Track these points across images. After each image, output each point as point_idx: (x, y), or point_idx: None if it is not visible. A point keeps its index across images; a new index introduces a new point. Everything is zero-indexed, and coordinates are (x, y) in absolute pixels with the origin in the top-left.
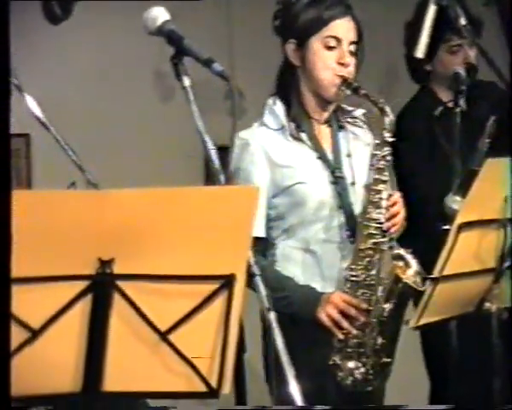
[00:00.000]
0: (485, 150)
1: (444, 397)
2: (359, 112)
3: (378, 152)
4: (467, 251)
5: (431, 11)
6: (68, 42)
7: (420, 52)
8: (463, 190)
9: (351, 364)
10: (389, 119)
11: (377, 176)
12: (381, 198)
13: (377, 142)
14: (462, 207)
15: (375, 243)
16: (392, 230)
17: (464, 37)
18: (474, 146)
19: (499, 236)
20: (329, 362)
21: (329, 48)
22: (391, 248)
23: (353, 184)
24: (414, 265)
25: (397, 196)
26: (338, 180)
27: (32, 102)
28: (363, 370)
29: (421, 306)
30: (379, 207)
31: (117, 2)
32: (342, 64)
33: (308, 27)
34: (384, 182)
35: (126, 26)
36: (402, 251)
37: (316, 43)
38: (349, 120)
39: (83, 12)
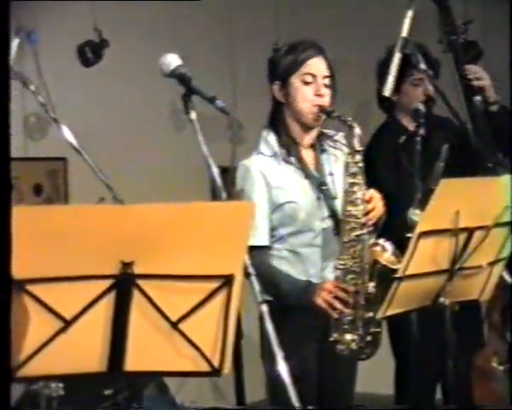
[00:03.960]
0: (440, 172)
1: (406, 374)
2: (339, 135)
3: (351, 160)
4: (425, 255)
5: (396, 58)
6: (99, 82)
7: (387, 92)
8: (422, 205)
9: (347, 336)
10: (357, 132)
11: (351, 180)
12: (356, 198)
13: (349, 151)
14: (421, 219)
15: (356, 236)
16: (370, 222)
17: (423, 72)
18: (431, 168)
19: (451, 242)
20: (330, 339)
21: (307, 83)
22: (371, 238)
23: (335, 198)
24: (389, 248)
25: (371, 192)
26: (324, 192)
27: (67, 132)
28: (357, 340)
29: (388, 300)
30: (356, 204)
31: (139, 48)
32: (318, 95)
33: (288, 69)
34: (358, 184)
35: (147, 68)
36: (378, 240)
37: (295, 81)
38: (330, 143)
39: (112, 56)
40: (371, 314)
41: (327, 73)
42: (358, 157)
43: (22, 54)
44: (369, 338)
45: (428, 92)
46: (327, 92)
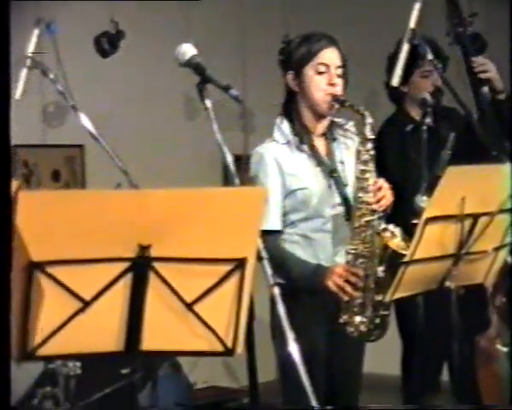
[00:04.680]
0: (446, 160)
1: (412, 355)
2: (350, 124)
3: (362, 148)
4: (432, 240)
5: (404, 49)
6: (116, 71)
7: (395, 82)
8: (429, 192)
9: (357, 318)
10: (369, 121)
11: (363, 167)
12: (368, 185)
13: (361, 139)
14: (428, 205)
15: (366, 221)
16: (380, 209)
17: (430, 62)
18: (438, 157)
19: (457, 228)
20: (340, 321)
21: (320, 73)
22: (380, 224)
23: (346, 185)
24: (398, 234)
25: (381, 181)
26: (335, 179)
27: (85, 119)
28: (366, 323)
29: (395, 283)
30: (367, 191)
31: (154, 39)
32: (331, 84)
33: (302, 59)
34: (369, 171)
35: (162, 58)
36: (388, 226)
37: (309, 71)
38: (341, 132)
39: (127, 47)
40: (380, 298)
41: (339, 63)
42: (370, 145)
43: (41, 44)
44: (377, 321)
45: (437, 83)
46: (339, 82)
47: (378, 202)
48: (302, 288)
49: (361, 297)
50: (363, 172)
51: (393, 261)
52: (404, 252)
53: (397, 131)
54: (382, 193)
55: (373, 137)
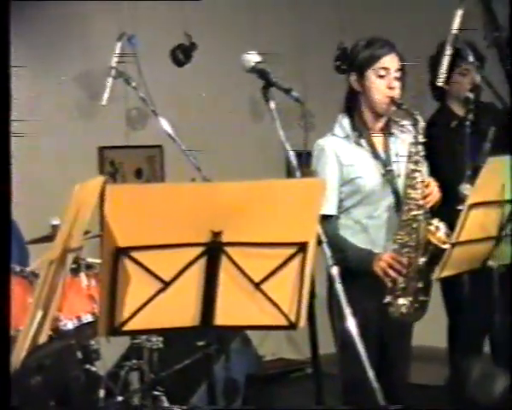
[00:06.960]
0: (487, 151)
1: (458, 328)
2: (406, 121)
3: (413, 149)
4: (475, 224)
5: (448, 52)
6: (189, 78)
7: (440, 82)
8: (472, 180)
9: (399, 301)
10: (421, 125)
11: (413, 167)
12: (416, 182)
13: (412, 141)
14: (472, 193)
15: (413, 215)
16: (427, 204)
17: (471, 63)
18: (479, 148)
19: (498, 212)
20: (384, 301)
21: (381, 76)
22: (426, 218)
23: (399, 176)
24: (442, 228)
25: (429, 179)
26: (388, 172)
27: (164, 122)
28: (407, 305)
29: (442, 263)
30: (415, 188)
31: (224, 50)
32: (390, 88)
33: (365, 63)
34: (418, 171)
35: (229, 66)
36: (433, 220)
37: (371, 74)
38: (398, 128)
39: (200, 57)
40: (421, 285)
41: (398, 66)
42: (420, 148)
43: (124, 55)
44: (417, 305)
45: (475, 81)
46: (398, 85)
47: (425, 198)
48: (352, 270)
49: (404, 282)
50: (413, 171)
51: (434, 254)
52: (444, 246)
53: (442, 126)
54: (429, 190)
55: (424, 140)
